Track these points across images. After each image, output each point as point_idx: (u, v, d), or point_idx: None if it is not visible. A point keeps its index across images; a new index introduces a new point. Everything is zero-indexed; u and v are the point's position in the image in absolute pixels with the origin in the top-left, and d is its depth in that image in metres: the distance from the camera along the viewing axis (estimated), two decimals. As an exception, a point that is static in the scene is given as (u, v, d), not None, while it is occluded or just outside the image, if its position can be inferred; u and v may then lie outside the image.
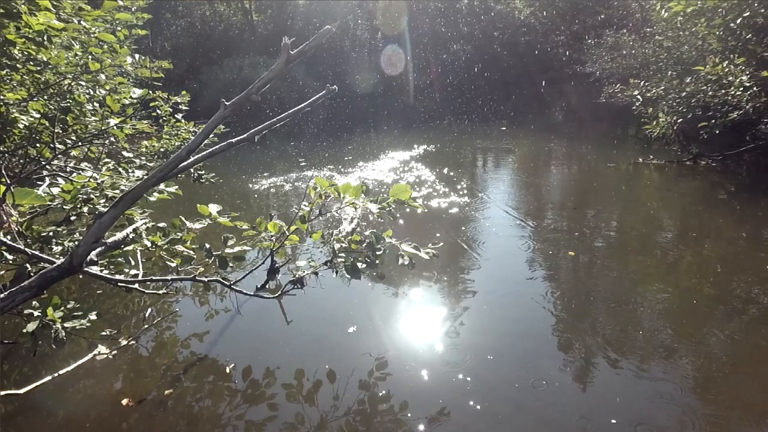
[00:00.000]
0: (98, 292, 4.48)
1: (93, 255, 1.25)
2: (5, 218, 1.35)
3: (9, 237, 1.87)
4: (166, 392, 3.13)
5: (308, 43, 1.62)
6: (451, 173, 9.08)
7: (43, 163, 3.56)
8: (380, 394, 3.14)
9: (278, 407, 3.05)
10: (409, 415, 2.96)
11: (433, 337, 3.71)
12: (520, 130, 13.98)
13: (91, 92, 3.91)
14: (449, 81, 24.53)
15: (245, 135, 1.42)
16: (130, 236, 1.63)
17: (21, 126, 3.47)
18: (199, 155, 1.40)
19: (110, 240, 1.40)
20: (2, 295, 1.16)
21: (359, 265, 2.64)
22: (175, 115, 5.44)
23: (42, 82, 3.92)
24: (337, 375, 3.30)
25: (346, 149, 12.41)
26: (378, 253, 2.69)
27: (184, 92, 5.51)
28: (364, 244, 2.75)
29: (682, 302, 4.06)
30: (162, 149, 5.46)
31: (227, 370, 3.41)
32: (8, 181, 1.66)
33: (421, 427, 2.85)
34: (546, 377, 3.17)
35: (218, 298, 4.41)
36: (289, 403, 3.09)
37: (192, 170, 5.76)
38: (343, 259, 2.66)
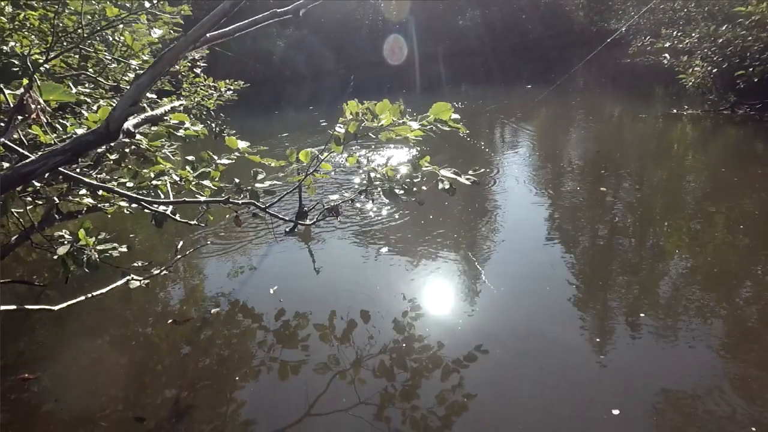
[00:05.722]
0: (130, 234, 4.53)
1: (130, 126, 1.15)
2: (33, 106, 1.26)
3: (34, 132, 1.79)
4: (213, 311, 3.28)
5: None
6: (483, 130, 8.92)
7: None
8: (416, 334, 3.07)
9: (310, 348, 3.01)
10: (445, 353, 2.89)
11: (463, 284, 3.62)
12: (543, 90, 13.51)
13: (110, 38, 3.81)
14: (467, 46, 23.87)
15: (290, 6, 1.30)
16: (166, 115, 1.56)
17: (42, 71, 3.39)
18: (245, 21, 1.30)
19: (147, 115, 1.31)
20: (34, 158, 1.07)
21: (397, 191, 2.54)
22: (194, 70, 5.32)
23: (60, 30, 3.82)
24: (371, 316, 3.25)
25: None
26: (416, 180, 2.58)
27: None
28: (399, 174, 2.64)
29: (713, 260, 3.76)
30: (181, 106, 5.36)
31: (271, 291, 3.46)
32: (32, 70, 1.59)
33: (458, 365, 2.77)
34: (570, 338, 2.96)
35: (247, 236, 4.43)
36: (323, 342, 3.04)
37: (213, 125, 5.69)
38: (380, 184, 2.55)
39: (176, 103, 1.78)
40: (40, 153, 1.11)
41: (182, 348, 3.05)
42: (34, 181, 2.15)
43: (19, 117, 1.29)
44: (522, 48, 24.05)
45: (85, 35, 3.73)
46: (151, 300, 3.59)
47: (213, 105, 5.77)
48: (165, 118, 1.65)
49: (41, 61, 3.09)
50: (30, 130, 2.15)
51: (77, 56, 4.04)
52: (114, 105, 1.31)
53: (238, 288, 3.74)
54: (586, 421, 2.33)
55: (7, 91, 1.51)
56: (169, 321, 3.24)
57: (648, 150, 7.06)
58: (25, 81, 1.37)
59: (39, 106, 1.28)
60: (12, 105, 1.32)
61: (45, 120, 1.27)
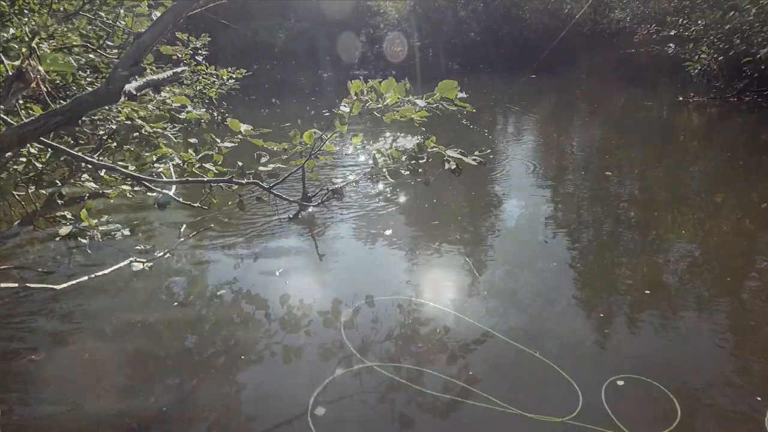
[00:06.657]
0: (134, 222, 4.52)
1: (131, 88, 1.12)
2: (32, 75, 1.23)
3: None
4: (218, 293, 3.30)
5: None
6: (487, 118, 8.87)
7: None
8: (420, 319, 3.05)
9: (315, 334, 2.98)
10: (450, 338, 2.86)
11: (467, 269, 3.58)
12: (547, 81, 13.45)
13: (111, 22, 3.78)
14: (468, 38, 23.68)
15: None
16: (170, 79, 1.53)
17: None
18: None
19: (149, 78, 1.28)
20: (34, 117, 1.04)
21: (402, 171, 2.51)
22: (196, 58, 5.26)
23: (60, 15, 3.79)
24: (375, 303, 3.22)
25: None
26: (421, 161, 2.54)
27: (204, 34, 5.31)
28: (404, 156, 2.60)
29: (717, 246, 3.71)
30: (183, 94, 5.32)
31: (276, 273, 3.48)
32: (30, 38, 1.55)
33: (465, 350, 2.74)
34: (575, 319, 2.96)
35: (251, 223, 4.44)
36: (327, 328, 3.01)
37: (216, 114, 5.65)
38: (385, 165, 2.52)
39: (179, 69, 1.74)
40: (39, 115, 1.08)
41: (186, 332, 3.04)
42: (36, 163, 2.12)
43: (20, 85, 1.26)
44: (524, 39, 23.84)
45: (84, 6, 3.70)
46: (156, 286, 3.57)
47: (215, 93, 5.72)
48: (167, 83, 1.62)
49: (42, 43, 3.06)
50: (32, 111, 2.13)
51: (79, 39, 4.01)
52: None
53: (241, 274, 3.71)
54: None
55: (6, 61, 1.47)
56: (174, 304, 3.23)
57: (653, 136, 7.01)
58: (24, 50, 1.34)
59: (39, 76, 1.25)
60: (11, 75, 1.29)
61: (45, 89, 1.23)
